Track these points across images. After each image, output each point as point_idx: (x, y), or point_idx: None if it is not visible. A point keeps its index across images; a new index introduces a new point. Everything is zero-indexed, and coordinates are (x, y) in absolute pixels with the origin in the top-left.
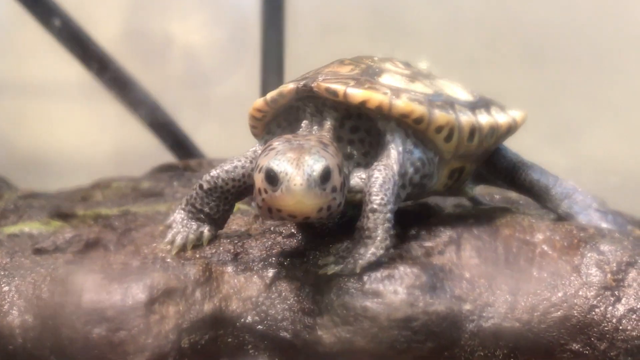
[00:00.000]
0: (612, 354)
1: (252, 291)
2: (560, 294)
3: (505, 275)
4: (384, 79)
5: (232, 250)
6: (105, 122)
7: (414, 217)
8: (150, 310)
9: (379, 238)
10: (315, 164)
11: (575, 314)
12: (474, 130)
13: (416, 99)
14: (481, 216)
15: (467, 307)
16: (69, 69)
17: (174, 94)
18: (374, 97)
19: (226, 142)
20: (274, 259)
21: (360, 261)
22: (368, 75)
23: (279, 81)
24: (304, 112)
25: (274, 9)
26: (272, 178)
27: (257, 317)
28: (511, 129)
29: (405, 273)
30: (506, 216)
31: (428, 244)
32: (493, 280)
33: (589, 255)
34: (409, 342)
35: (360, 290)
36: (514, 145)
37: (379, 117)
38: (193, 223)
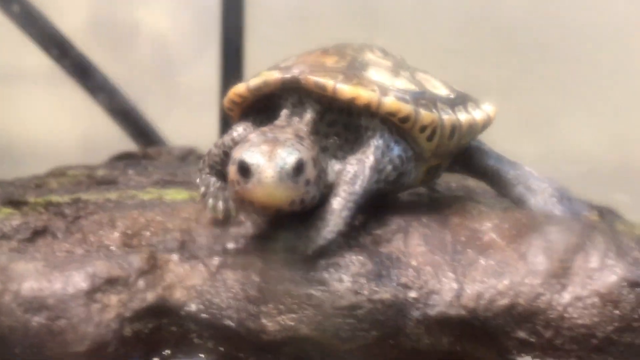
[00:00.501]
0: (557, 342)
1: (196, 280)
2: (506, 282)
3: (452, 263)
4: (371, 73)
5: (179, 238)
6: (73, 110)
7: (364, 205)
8: (92, 299)
9: (332, 223)
10: (288, 157)
11: (521, 302)
12: (454, 128)
13: (403, 98)
14: (432, 205)
15: (412, 295)
16: (34, 54)
17: (141, 82)
18: (363, 94)
19: (190, 129)
20: (220, 247)
21: (311, 244)
22: (355, 69)
23: (238, 70)
24: (286, 101)
25: None
26: (245, 170)
27: (201, 306)
28: (485, 125)
29: (351, 261)
30: (457, 204)
31: (376, 232)
32: (440, 268)
33: (536, 242)
34: (354, 330)
35: (305, 278)
36: (485, 133)
37: (364, 113)
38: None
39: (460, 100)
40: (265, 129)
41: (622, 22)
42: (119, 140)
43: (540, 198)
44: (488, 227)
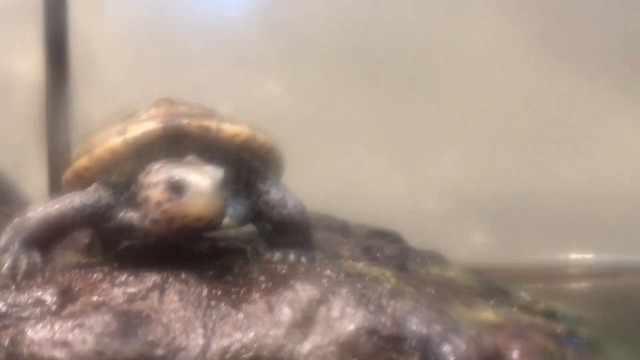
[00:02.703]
0: None
1: None
2: (251, 335)
3: (203, 318)
4: (223, 115)
5: None
6: None
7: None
8: None
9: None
10: (215, 170)
11: (265, 354)
12: None
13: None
14: (194, 258)
15: (159, 352)
16: None
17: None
18: (243, 130)
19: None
20: None
21: None
22: (213, 113)
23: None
24: (160, 152)
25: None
26: (177, 186)
27: None
28: None
29: (96, 321)
30: (219, 259)
31: (131, 289)
32: (189, 324)
33: (284, 294)
34: None
35: (50, 341)
36: (364, 171)
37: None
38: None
39: None
40: (165, 162)
41: (495, 58)
42: None
43: None
44: (245, 280)
